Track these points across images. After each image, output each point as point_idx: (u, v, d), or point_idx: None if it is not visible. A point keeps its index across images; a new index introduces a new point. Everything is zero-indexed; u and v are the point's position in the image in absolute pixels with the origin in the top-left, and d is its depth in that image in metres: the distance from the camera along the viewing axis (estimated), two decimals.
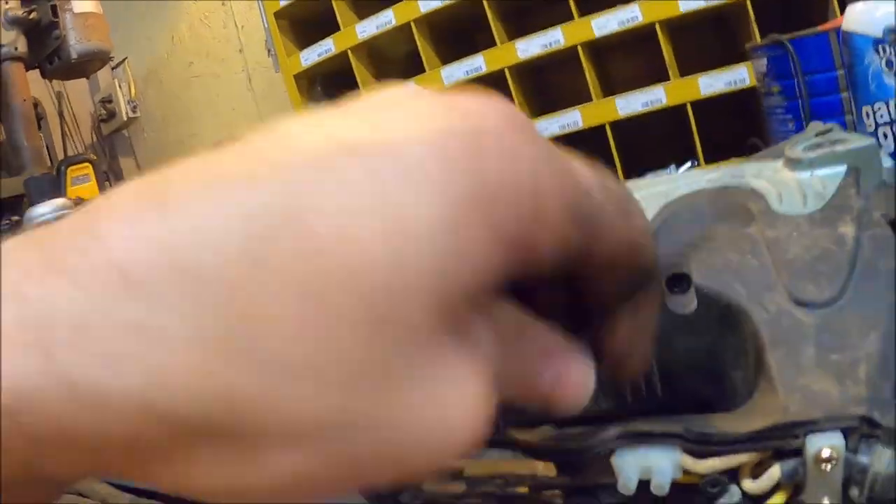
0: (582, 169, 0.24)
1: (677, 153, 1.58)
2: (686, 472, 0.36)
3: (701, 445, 0.35)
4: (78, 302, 0.17)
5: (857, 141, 0.51)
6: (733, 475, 0.35)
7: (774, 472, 0.34)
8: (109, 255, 0.17)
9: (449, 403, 0.20)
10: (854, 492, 0.33)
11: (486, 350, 0.22)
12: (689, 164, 1.55)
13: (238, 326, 0.17)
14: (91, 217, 0.19)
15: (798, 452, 0.34)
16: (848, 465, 0.33)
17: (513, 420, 0.54)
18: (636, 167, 1.61)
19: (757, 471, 0.35)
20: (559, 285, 0.27)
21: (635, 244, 0.26)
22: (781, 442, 0.34)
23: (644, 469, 0.36)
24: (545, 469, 0.42)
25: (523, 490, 0.42)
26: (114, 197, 0.19)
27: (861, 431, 0.33)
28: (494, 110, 0.22)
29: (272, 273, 0.17)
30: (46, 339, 0.17)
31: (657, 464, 0.36)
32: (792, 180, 0.50)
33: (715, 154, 1.49)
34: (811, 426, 0.33)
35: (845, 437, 0.33)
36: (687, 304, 0.46)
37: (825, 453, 0.32)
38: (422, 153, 0.19)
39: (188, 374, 0.17)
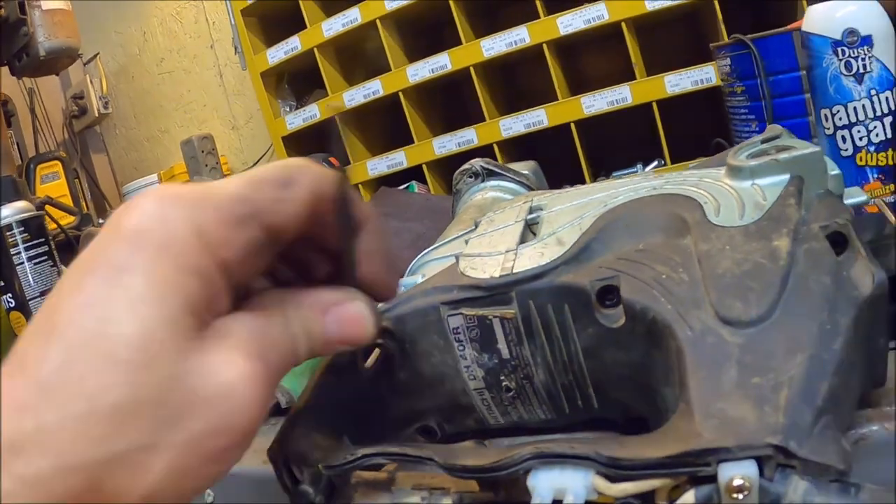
0: (226, 188, 0.34)
1: (644, 152, 1.57)
2: (600, 493, 0.35)
3: (612, 469, 0.34)
4: None
5: (803, 147, 0.50)
6: (648, 498, 0.34)
7: (688, 498, 0.33)
8: None
9: (216, 375, 0.31)
10: None
11: (238, 335, 0.33)
12: (655, 163, 1.54)
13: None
14: None
15: (713, 479, 0.32)
16: (762, 494, 0.31)
17: (435, 435, 0.53)
18: (603, 166, 1.61)
19: (674, 494, 0.34)
20: (311, 260, 0.40)
21: (313, 196, 0.36)
22: (694, 469, 0.32)
23: (558, 490, 0.35)
24: (468, 485, 0.41)
25: (447, 503, 0.41)
26: None
27: (776, 461, 0.31)
28: (143, 197, 0.32)
29: (88, 364, 0.29)
30: None
31: (570, 485, 0.35)
32: (731, 190, 0.49)
33: (682, 153, 1.48)
34: (724, 454, 0.32)
35: (760, 465, 0.32)
36: (616, 318, 0.44)
37: (737, 482, 0.31)
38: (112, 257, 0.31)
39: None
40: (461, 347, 0.49)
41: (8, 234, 1.17)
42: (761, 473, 0.32)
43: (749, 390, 0.34)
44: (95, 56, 3.13)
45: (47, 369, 0.29)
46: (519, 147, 1.64)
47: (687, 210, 0.48)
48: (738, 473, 0.31)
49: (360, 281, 0.39)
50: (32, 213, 1.12)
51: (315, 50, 1.77)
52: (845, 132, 0.83)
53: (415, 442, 0.53)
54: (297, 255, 0.39)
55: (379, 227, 0.40)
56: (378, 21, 1.65)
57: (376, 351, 0.49)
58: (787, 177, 0.49)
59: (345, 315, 0.38)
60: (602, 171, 1.58)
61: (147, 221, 0.31)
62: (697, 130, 1.59)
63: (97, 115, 3.12)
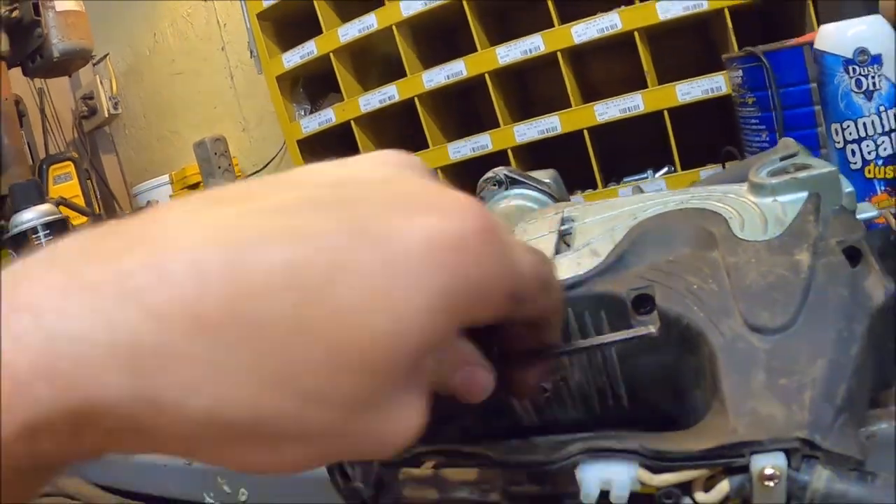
0: (524, 255, 0.33)
1: (654, 159, 1.61)
2: (643, 484, 0.38)
3: (656, 461, 0.38)
4: (160, 336, 0.23)
5: (819, 167, 0.54)
6: (686, 488, 0.38)
7: (723, 486, 0.36)
8: (183, 295, 0.23)
9: (398, 421, 0.28)
10: None
11: (428, 374, 0.30)
12: (665, 169, 1.58)
13: (281, 368, 0.24)
14: (156, 247, 0.24)
15: (745, 469, 0.36)
16: (790, 482, 0.35)
17: (481, 433, 0.57)
18: (614, 172, 1.64)
19: (709, 484, 0.37)
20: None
21: (547, 314, 0.37)
22: (729, 460, 0.36)
23: (604, 482, 0.39)
24: (514, 479, 0.45)
25: (495, 497, 0.45)
26: (174, 223, 0.26)
27: (802, 452, 0.35)
28: (472, 214, 0.29)
29: (311, 333, 0.25)
30: (135, 366, 0.23)
31: (616, 477, 0.39)
32: (754, 206, 0.53)
33: (691, 160, 1.52)
34: (756, 447, 0.35)
35: (788, 457, 0.35)
36: (651, 324, 0.48)
37: (768, 472, 0.35)
38: (419, 250, 0.27)
39: (243, 399, 0.24)
40: None
41: (33, 237, 1.20)
42: (789, 464, 0.36)
43: (777, 391, 0.38)
44: (105, 56, 3.15)
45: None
46: (532, 152, 1.67)
47: (714, 224, 0.51)
48: (769, 464, 0.35)
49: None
50: (56, 215, 1.16)
51: (331, 55, 1.81)
52: (855, 146, 0.87)
53: (455, 438, 0.57)
54: None
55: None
56: (394, 27, 1.69)
57: None
58: (805, 194, 0.52)
59: (473, 379, 0.37)
60: (613, 176, 1.62)
61: (473, 244, 0.28)
62: (707, 138, 1.62)
63: (107, 115, 3.14)
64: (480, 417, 0.56)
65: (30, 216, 1.23)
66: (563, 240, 0.60)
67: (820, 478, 0.35)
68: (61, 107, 3.26)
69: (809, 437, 0.35)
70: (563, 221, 0.62)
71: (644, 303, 0.48)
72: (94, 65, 3.10)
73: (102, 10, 2.98)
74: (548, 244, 0.58)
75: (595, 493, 0.39)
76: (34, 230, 1.21)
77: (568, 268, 0.52)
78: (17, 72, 2.49)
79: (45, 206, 1.17)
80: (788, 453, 0.36)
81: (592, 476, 0.39)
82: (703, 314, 0.44)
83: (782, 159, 0.58)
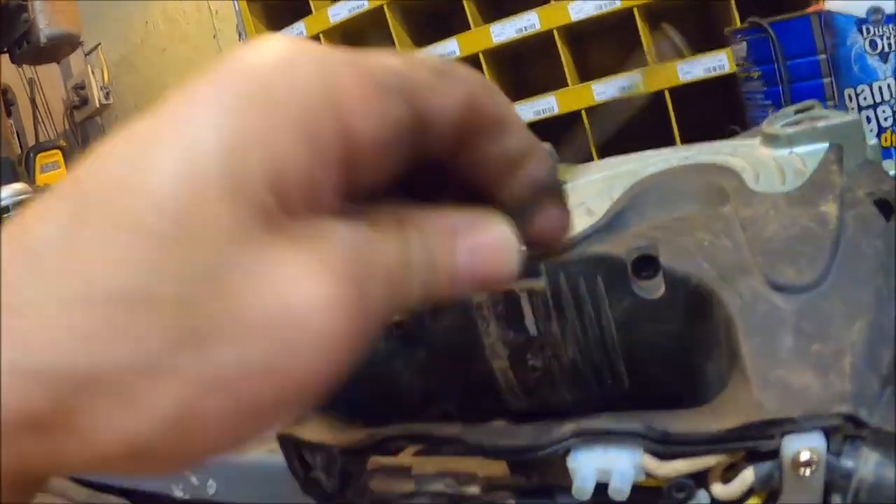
0: (376, 55, 0.24)
1: (655, 140, 1.54)
2: (649, 474, 0.32)
3: (665, 446, 0.31)
4: None
5: (839, 117, 0.48)
6: (701, 478, 0.32)
7: (747, 475, 0.30)
8: None
9: (284, 294, 0.21)
10: (836, 499, 0.29)
11: (333, 245, 0.22)
12: None
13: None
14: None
15: (774, 454, 0.30)
16: (829, 470, 0.29)
17: (461, 413, 0.50)
18: (612, 154, 1.58)
19: (728, 474, 0.31)
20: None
21: (471, 99, 0.26)
22: (755, 443, 0.30)
23: (602, 471, 0.33)
24: (497, 468, 0.39)
25: (474, 490, 0.38)
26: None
27: (845, 432, 0.29)
28: (267, 41, 0.23)
29: (96, 227, 0.20)
30: None
31: (616, 465, 0.32)
32: (770, 158, 0.47)
33: (693, 141, 1.46)
34: (789, 425, 0.29)
35: (827, 437, 0.29)
36: (654, 288, 0.42)
37: (804, 456, 0.29)
38: (205, 86, 0.22)
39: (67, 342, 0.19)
40: (484, 324, 0.46)
41: (5, 216, 1.14)
42: (828, 446, 0.29)
43: (809, 358, 0.32)
44: (97, 46, 3.11)
45: (44, 232, 0.20)
46: None
47: (724, 178, 0.45)
48: (804, 446, 0.29)
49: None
50: (30, 194, 1.10)
51: (321, 36, 1.75)
52: (870, 112, 0.81)
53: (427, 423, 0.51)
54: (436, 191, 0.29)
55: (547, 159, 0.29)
56: (385, 6, 1.63)
57: None
58: (825, 145, 0.46)
59: (483, 242, 0.26)
60: None
61: (263, 57, 0.23)
62: (709, 119, 1.57)
63: (98, 105, 3.11)
64: (462, 400, 0.50)
65: (2, 194, 1.17)
66: None
67: (867, 463, 0.29)
68: (52, 97, 3.23)
69: (853, 411, 0.29)
70: None
71: (647, 264, 0.42)
72: (85, 55, 3.06)
73: (95, 1, 2.93)
74: None
75: (590, 485, 0.33)
76: (6, 209, 1.15)
77: None
78: (7, 63, 2.45)
79: (19, 186, 1.11)
80: (827, 433, 0.29)
81: (587, 465, 0.33)
82: (716, 273, 0.38)
83: (798, 112, 0.52)
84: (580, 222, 0.46)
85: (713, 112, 1.63)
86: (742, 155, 0.48)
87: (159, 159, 0.20)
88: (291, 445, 0.42)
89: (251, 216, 0.21)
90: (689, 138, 1.47)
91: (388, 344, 0.46)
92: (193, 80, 0.22)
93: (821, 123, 0.47)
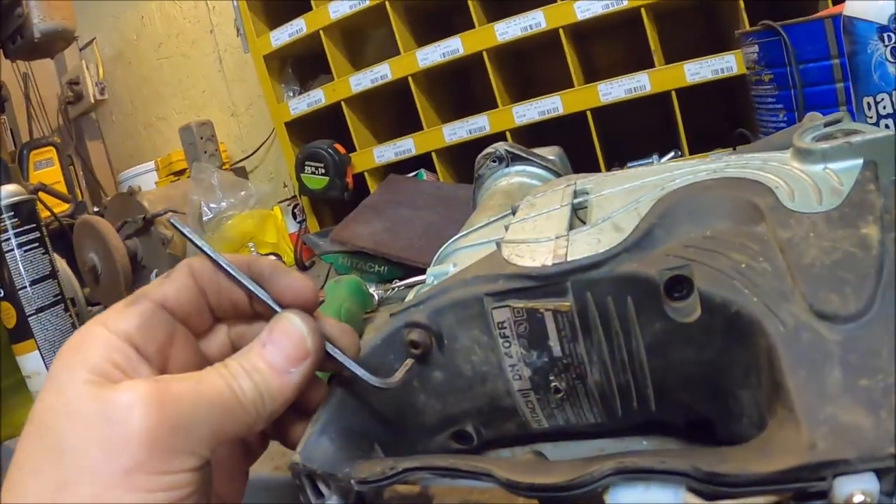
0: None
1: (661, 142, 1.53)
2: None
3: (709, 486, 0.30)
4: None
5: (873, 132, 0.46)
6: None
7: None
8: None
9: (112, 403, 0.34)
10: None
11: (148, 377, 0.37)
12: (672, 153, 1.50)
13: None
14: None
15: (823, 494, 0.28)
16: None
17: (471, 440, 0.49)
18: (618, 156, 1.56)
19: None
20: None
21: (188, 277, 0.43)
22: (805, 484, 0.28)
23: None
24: (522, 498, 0.37)
25: None
26: None
27: None
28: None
29: None
30: None
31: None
32: (803, 174, 0.45)
33: (700, 144, 1.44)
34: (843, 467, 0.28)
35: (879, 479, 0.28)
36: (689, 311, 0.40)
37: (857, 499, 0.27)
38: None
39: None
40: (507, 344, 0.45)
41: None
42: (881, 488, 0.28)
43: (858, 394, 0.30)
44: (92, 41, 3.08)
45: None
46: (531, 135, 1.59)
47: (757, 194, 0.43)
48: (857, 489, 0.27)
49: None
50: (24, 196, 1.07)
51: (321, 32, 1.72)
52: (889, 121, 0.79)
53: (448, 448, 0.49)
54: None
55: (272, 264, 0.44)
56: (387, 3, 1.61)
57: (407, 361, 0.45)
58: (859, 161, 0.45)
59: (276, 336, 0.40)
60: (616, 161, 1.54)
61: (74, 335, 0.38)
62: (716, 122, 1.55)
63: (93, 101, 3.08)
64: (481, 421, 0.48)
65: None
66: (577, 214, 0.52)
67: None
68: (47, 93, 3.19)
69: None
70: (576, 194, 0.54)
71: (680, 285, 0.40)
72: (80, 50, 3.03)
73: None
74: (560, 219, 0.50)
75: None
76: None
77: (586, 245, 0.44)
78: (1, 55, 2.41)
79: (12, 187, 1.08)
80: (880, 474, 0.28)
81: (627, 502, 0.31)
82: (757, 299, 0.36)
83: (826, 125, 0.51)
84: (607, 238, 0.44)
85: (720, 114, 1.61)
86: (773, 170, 0.46)
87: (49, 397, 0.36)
88: (304, 475, 0.40)
89: (90, 383, 0.35)
90: (695, 140, 1.45)
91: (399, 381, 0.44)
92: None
93: (856, 139, 0.45)
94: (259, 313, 0.44)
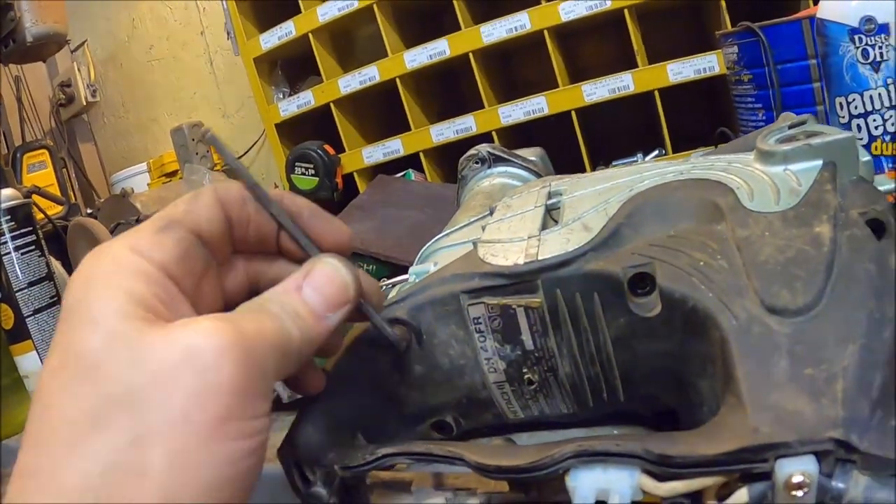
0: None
1: (644, 141, 1.55)
2: (646, 494, 0.33)
3: (661, 467, 0.32)
4: None
5: (833, 134, 0.48)
6: (697, 497, 0.32)
7: (741, 496, 0.31)
8: None
9: (178, 343, 0.32)
10: None
11: (208, 316, 0.34)
12: (655, 152, 1.52)
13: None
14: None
15: (767, 476, 0.30)
16: (821, 491, 0.29)
17: (451, 430, 0.51)
18: (603, 155, 1.59)
19: (722, 493, 0.32)
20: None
21: (216, 204, 0.40)
22: (749, 466, 0.30)
23: (601, 490, 0.33)
24: (497, 485, 0.39)
25: None
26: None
27: (836, 455, 0.30)
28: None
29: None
30: None
31: (615, 485, 0.33)
32: (764, 175, 0.47)
33: (683, 143, 1.46)
34: (782, 449, 0.30)
35: (819, 461, 0.30)
36: (650, 306, 0.42)
37: (796, 479, 0.29)
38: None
39: None
40: (482, 339, 0.47)
41: None
42: (820, 469, 0.30)
43: (803, 382, 0.32)
44: (83, 43, 3.09)
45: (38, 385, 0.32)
46: (517, 135, 1.61)
47: (719, 195, 0.46)
48: (797, 469, 0.30)
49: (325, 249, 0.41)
50: (20, 200, 1.09)
51: (310, 35, 1.74)
52: (860, 121, 0.81)
53: (429, 438, 0.51)
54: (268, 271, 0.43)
55: (305, 203, 0.42)
56: (375, 5, 1.62)
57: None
58: (819, 162, 0.47)
59: (317, 279, 0.38)
60: (601, 160, 1.56)
61: (97, 258, 0.35)
62: (699, 121, 1.57)
63: (85, 103, 3.09)
64: (460, 412, 0.50)
65: None
66: (551, 215, 0.54)
67: (857, 485, 0.29)
68: (39, 95, 3.20)
69: (844, 436, 0.30)
70: (550, 195, 0.56)
71: (643, 282, 0.42)
72: (72, 52, 3.04)
73: None
74: (534, 220, 0.52)
75: (591, 502, 0.33)
76: None
77: (556, 244, 0.46)
78: None
79: (8, 191, 1.09)
80: (819, 456, 0.30)
81: (586, 484, 0.33)
82: (713, 294, 0.38)
83: (791, 127, 0.53)
84: (577, 238, 0.46)
85: (703, 114, 1.63)
86: (736, 171, 0.48)
87: (82, 330, 0.32)
88: (292, 462, 0.42)
89: (138, 320, 0.32)
90: (678, 139, 1.48)
91: (385, 358, 0.46)
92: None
93: (815, 140, 0.47)
94: (282, 252, 0.42)
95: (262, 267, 0.43)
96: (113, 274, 0.33)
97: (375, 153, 1.75)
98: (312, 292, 0.37)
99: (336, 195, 1.78)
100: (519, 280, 0.45)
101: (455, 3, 1.56)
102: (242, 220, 0.40)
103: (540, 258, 0.45)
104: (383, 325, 0.44)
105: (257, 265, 0.43)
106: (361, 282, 0.40)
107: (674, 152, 1.47)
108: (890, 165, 0.81)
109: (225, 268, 0.41)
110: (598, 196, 0.51)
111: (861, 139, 0.81)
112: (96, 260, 0.34)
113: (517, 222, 0.53)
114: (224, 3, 1.92)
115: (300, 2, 1.76)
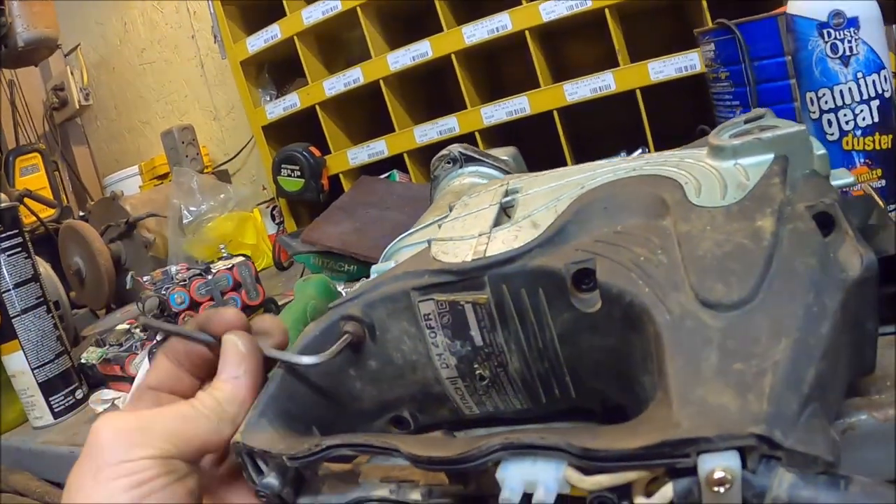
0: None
1: (628, 140, 1.55)
2: (573, 486, 0.33)
3: (586, 461, 0.32)
4: None
5: (786, 127, 0.48)
6: (625, 491, 0.32)
7: (667, 491, 0.31)
8: None
9: None
10: None
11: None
12: (639, 150, 1.52)
13: None
14: None
15: (693, 471, 0.30)
16: (745, 488, 0.29)
17: (408, 426, 0.51)
18: (586, 154, 1.58)
19: (651, 488, 0.32)
20: None
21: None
22: (671, 460, 0.30)
23: (529, 483, 0.33)
24: (437, 477, 0.39)
25: (416, 497, 0.39)
26: None
27: (760, 451, 0.29)
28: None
29: None
30: None
31: (542, 478, 0.33)
32: (713, 170, 0.47)
33: (666, 141, 1.45)
34: (703, 444, 0.30)
35: (743, 457, 0.30)
36: (592, 302, 0.42)
37: (718, 475, 0.29)
38: None
39: None
40: (433, 334, 0.47)
41: None
42: (744, 465, 0.30)
43: (730, 377, 0.32)
44: (76, 47, 3.09)
45: None
46: (501, 135, 1.61)
47: (667, 190, 0.46)
48: (719, 465, 0.29)
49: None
50: (7, 204, 1.09)
51: (295, 38, 1.74)
52: (831, 116, 0.81)
53: (388, 432, 0.51)
54: None
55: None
56: (359, 8, 1.62)
57: (343, 338, 0.47)
58: (771, 156, 0.46)
59: (222, 355, 0.47)
60: (584, 159, 1.55)
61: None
62: (682, 119, 1.57)
63: (78, 106, 3.08)
64: (417, 407, 0.50)
65: None
66: (506, 212, 0.54)
67: (781, 483, 0.29)
68: (32, 98, 3.20)
69: (768, 433, 0.29)
70: (506, 193, 0.56)
71: (585, 278, 0.42)
72: (65, 56, 3.04)
73: (74, 1, 2.91)
74: (488, 217, 0.52)
75: (517, 495, 0.33)
76: None
77: (504, 241, 0.47)
78: None
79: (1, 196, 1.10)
80: (743, 452, 0.30)
81: (515, 476, 0.33)
82: (649, 289, 0.38)
83: (747, 122, 0.53)
84: (525, 235, 0.46)
85: (686, 113, 1.63)
86: (687, 167, 0.48)
87: None
88: (244, 452, 0.42)
89: None
90: (661, 137, 1.47)
91: (339, 355, 0.47)
92: None
93: (766, 134, 0.47)
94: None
95: None
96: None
97: (360, 154, 1.75)
98: (221, 364, 0.46)
99: (322, 196, 1.77)
100: (466, 277, 0.45)
101: (437, 4, 1.56)
102: (183, 358, 0.49)
103: (487, 255, 0.45)
104: (283, 356, 0.47)
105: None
106: (259, 327, 0.49)
107: (657, 150, 1.47)
108: (862, 160, 0.81)
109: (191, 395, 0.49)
110: (550, 194, 0.51)
111: (832, 134, 0.81)
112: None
113: (471, 220, 0.53)
114: (211, 7, 1.92)
115: (285, 4, 1.76)
